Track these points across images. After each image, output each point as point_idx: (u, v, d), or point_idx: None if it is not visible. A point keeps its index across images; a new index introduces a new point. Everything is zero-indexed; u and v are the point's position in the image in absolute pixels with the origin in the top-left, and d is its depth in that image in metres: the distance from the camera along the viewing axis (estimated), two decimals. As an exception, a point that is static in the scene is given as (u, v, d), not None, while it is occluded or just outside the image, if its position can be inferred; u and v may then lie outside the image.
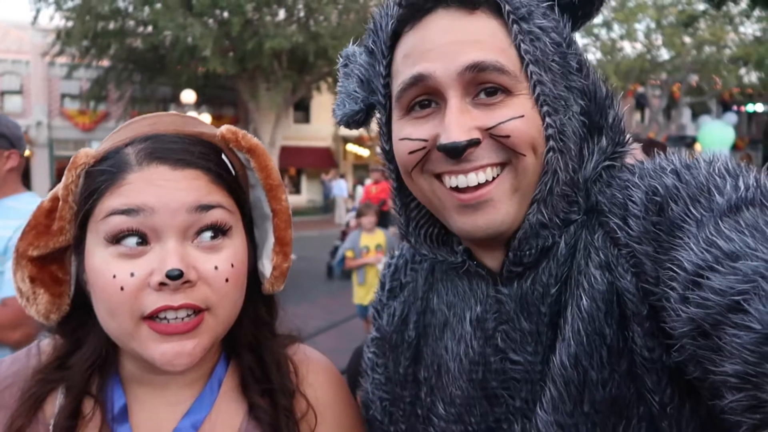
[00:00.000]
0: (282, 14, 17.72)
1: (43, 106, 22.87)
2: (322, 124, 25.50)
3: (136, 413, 0.76)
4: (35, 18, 17.63)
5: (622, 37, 23.79)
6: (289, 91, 19.15)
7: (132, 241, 0.68)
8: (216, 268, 0.71)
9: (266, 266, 0.83)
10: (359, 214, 6.17)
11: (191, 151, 0.72)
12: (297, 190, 26.86)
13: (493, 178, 0.71)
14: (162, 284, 0.66)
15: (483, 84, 0.69)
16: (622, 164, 0.76)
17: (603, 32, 23.81)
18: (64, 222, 0.73)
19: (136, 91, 20.64)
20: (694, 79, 25.33)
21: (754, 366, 0.47)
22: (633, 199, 0.67)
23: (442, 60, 0.69)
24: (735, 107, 26.97)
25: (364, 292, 5.58)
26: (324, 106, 23.72)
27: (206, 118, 16.99)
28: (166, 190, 0.69)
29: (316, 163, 26.42)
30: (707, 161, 0.66)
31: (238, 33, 15.81)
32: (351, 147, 27.38)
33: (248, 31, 16.14)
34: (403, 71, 0.73)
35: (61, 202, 0.73)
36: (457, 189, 0.71)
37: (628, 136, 0.78)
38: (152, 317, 0.68)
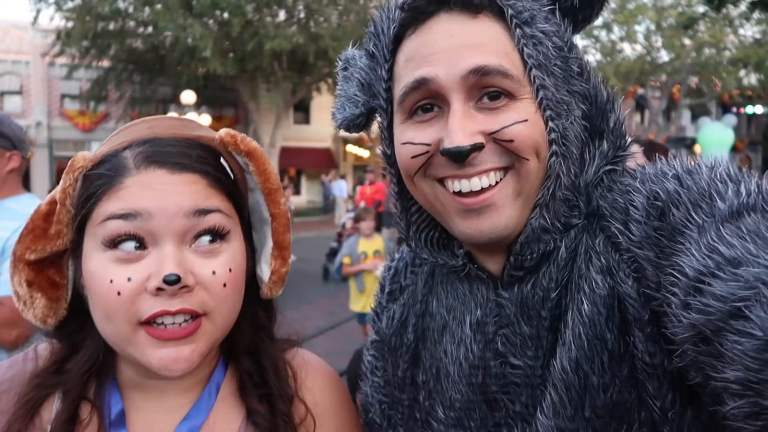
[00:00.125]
0: (282, 15, 17.73)
1: (43, 107, 22.88)
2: (322, 125, 25.52)
3: (133, 418, 0.76)
4: (35, 18, 17.64)
5: (622, 39, 23.86)
6: (289, 91, 19.17)
7: (129, 245, 0.68)
8: (214, 272, 0.70)
9: (264, 270, 0.83)
10: (357, 219, 5.89)
11: (189, 154, 0.72)
12: (297, 191, 26.86)
13: (497, 183, 0.70)
14: (159, 289, 0.66)
15: (486, 88, 0.69)
16: (623, 168, 0.76)
17: (603, 34, 23.90)
18: (61, 226, 0.73)
19: (136, 92, 20.65)
20: (693, 80, 25.39)
21: (756, 373, 0.47)
22: (634, 203, 0.67)
23: (446, 64, 0.69)
24: (734, 109, 27.01)
25: (363, 300, 5.33)
26: (324, 107, 23.74)
27: (206, 118, 17.05)
28: (163, 195, 0.68)
29: (316, 164, 26.43)
30: (709, 166, 0.65)
31: (238, 34, 15.82)
32: (351, 148, 27.41)
33: (248, 31, 16.14)
34: (405, 75, 0.73)
35: (58, 206, 0.72)
36: (460, 193, 0.71)
37: (629, 139, 0.78)
38: (149, 322, 0.67)
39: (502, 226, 0.71)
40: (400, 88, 0.73)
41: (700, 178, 0.63)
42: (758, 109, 27.47)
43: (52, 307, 0.76)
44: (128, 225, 0.67)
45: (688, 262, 0.56)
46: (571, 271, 0.72)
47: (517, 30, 0.69)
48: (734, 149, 24.02)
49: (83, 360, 0.75)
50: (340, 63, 0.90)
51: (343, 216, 12.26)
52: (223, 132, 0.78)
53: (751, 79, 25.16)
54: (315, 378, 0.87)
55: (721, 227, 0.57)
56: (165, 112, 16.32)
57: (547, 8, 0.72)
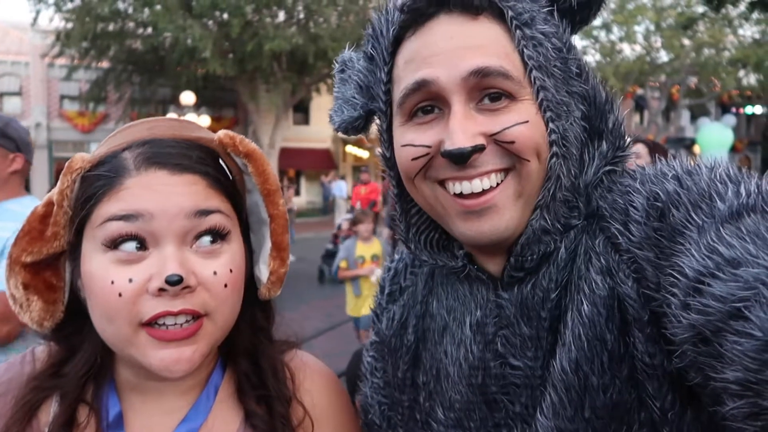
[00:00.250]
0: (282, 16, 17.73)
1: (43, 108, 22.88)
2: (321, 126, 25.51)
3: (131, 421, 0.75)
4: (35, 19, 17.63)
5: (621, 40, 23.88)
6: (289, 92, 19.16)
7: (131, 246, 0.67)
8: (215, 273, 0.70)
9: (263, 271, 0.83)
10: (355, 222, 5.74)
11: (189, 155, 0.72)
12: (296, 191, 26.87)
13: (497, 184, 0.70)
14: (161, 290, 0.66)
15: (487, 89, 0.69)
16: (623, 169, 0.76)
17: (602, 34, 23.92)
18: (58, 227, 0.72)
19: (135, 93, 20.65)
20: (693, 81, 25.44)
21: (755, 373, 0.47)
22: (634, 204, 0.67)
23: (446, 65, 0.69)
24: (734, 109, 27.09)
25: (360, 304, 5.22)
26: (323, 107, 23.72)
27: (205, 119, 17.03)
28: (164, 196, 0.68)
29: (315, 164, 26.43)
30: (709, 167, 0.65)
31: (237, 34, 15.82)
32: (350, 149, 27.42)
33: (248, 32, 16.15)
34: (405, 77, 0.72)
35: (55, 208, 0.72)
36: (461, 195, 0.71)
37: (628, 140, 0.78)
38: (151, 323, 0.67)
39: (503, 227, 0.71)
40: (399, 90, 0.73)
41: (700, 178, 0.63)
42: (757, 109, 27.54)
43: (48, 310, 0.75)
44: (129, 226, 0.67)
45: (687, 262, 0.56)
46: (570, 271, 0.72)
47: (518, 31, 0.69)
48: (733, 149, 24.03)
49: (81, 362, 0.74)
50: (337, 65, 0.89)
51: (341, 217, 12.22)
52: (222, 133, 0.78)
53: (750, 79, 25.20)
54: (313, 380, 0.87)
55: (720, 228, 0.57)
56: (164, 113, 16.35)
57: (546, 9, 0.72)
